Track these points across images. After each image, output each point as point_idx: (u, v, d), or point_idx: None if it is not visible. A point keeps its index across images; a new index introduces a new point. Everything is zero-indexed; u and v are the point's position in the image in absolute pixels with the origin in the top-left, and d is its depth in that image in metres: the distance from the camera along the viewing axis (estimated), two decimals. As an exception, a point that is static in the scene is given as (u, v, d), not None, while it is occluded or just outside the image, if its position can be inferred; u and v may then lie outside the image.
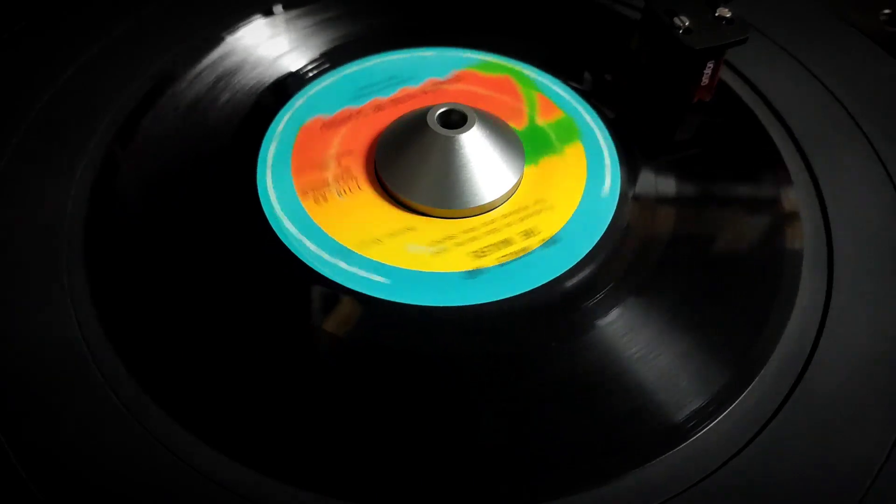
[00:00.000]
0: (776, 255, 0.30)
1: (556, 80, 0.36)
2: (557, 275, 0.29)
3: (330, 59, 0.37)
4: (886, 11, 0.42)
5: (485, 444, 0.25)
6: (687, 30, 0.33)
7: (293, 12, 0.39)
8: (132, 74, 0.35)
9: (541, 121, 0.34)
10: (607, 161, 0.33)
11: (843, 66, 0.37)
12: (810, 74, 0.37)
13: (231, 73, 0.36)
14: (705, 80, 0.34)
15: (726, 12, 0.33)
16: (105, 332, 0.27)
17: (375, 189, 0.32)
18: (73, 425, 0.24)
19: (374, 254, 0.29)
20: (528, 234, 0.30)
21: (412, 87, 0.36)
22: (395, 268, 0.29)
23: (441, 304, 0.28)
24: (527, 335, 0.27)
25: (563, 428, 0.25)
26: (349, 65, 0.36)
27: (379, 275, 0.29)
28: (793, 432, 0.25)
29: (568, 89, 0.35)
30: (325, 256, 0.29)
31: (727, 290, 0.29)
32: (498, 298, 0.28)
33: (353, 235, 0.30)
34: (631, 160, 0.33)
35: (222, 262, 0.29)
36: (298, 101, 0.35)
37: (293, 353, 0.27)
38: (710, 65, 0.33)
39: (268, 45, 0.38)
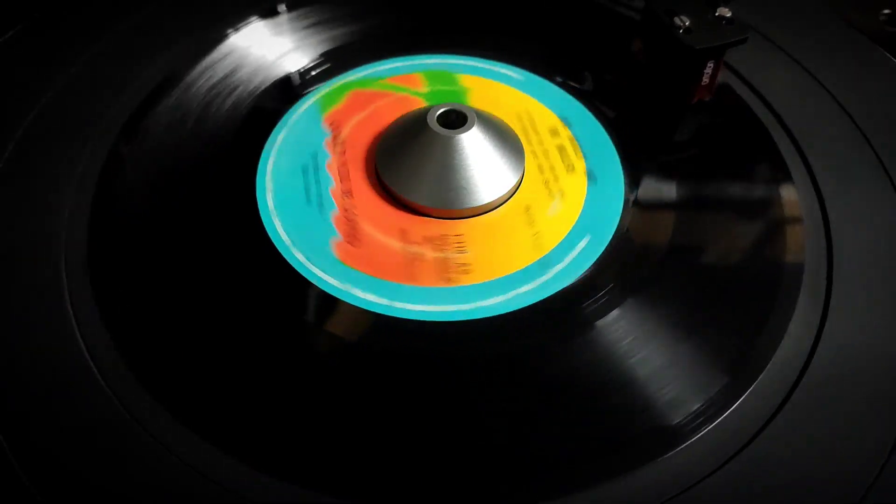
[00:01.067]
0: (776, 256, 0.30)
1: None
2: (558, 275, 0.29)
3: (330, 59, 0.37)
4: (886, 11, 0.42)
5: (485, 443, 0.25)
6: (687, 29, 0.33)
7: (295, 12, 0.39)
8: (133, 74, 0.35)
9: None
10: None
11: (843, 66, 0.37)
12: (810, 74, 0.37)
13: (232, 73, 0.36)
14: (705, 80, 0.34)
15: (726, 12, 0.33)
16: (106, 331, 0.27)
17: (373, 185, 0.32)
18: (73, 425, 0.24)
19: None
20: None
21: None
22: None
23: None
24: (527, 335, 0.27)
25: (562, 428, 0.25)
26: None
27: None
28: (792, 434, 0.25)
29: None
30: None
31: (727, 291, 0.29)
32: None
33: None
34: (631, 160, 0.33)
35: (221, 261, 0.29)
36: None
37: (293, 353, 0.27)
38: (710, 64, 0.33)
39: (269, 45, 0.38)
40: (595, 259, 0.29)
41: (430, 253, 0.29)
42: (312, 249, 0.29)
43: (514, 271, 0.29)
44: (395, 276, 0.29)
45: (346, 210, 0.31)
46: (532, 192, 0.32)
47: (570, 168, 0.33)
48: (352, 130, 0.34)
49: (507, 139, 0.32)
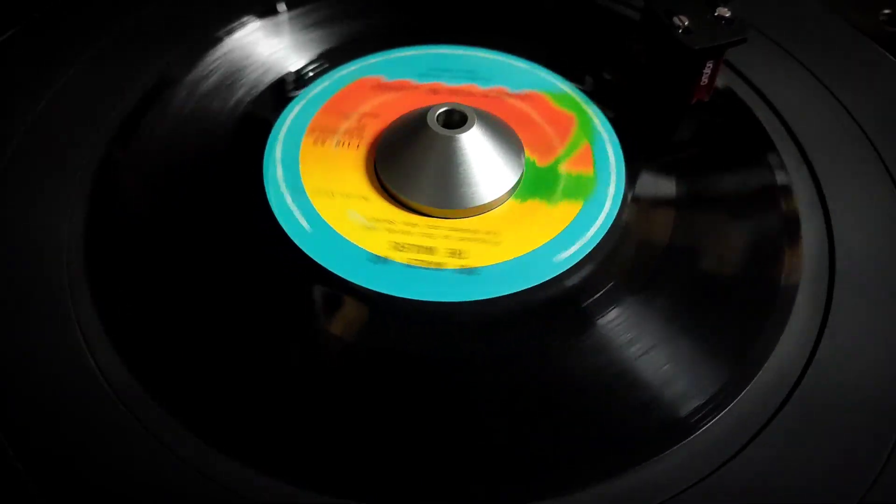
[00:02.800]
0: (776, 255, 0.30)
1: (615, 140, 0.34)
2: (557, 274, 0.29)
3: (330, 59, 0.37)
4: (886, 11, 0.42)
5: (485, 443, 0.25)
6: (686, 30, 0.33)
7: (296, 11, 0.39)
8: (132, 75, 0.35)
9: (565, 168, 0.33)
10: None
11: (843, 66, 0.37)
12: (810, 74, 0.37)
13: (231, 73, 0.36)
14: (704, 80, 0.34)
15: (726, 12, 0.33)
16: (106, 332, 0.27)
17: (373, 186, 0.32)
18: (73, 425, 0.24)
19: (319, 203, 0.31)
20: (454, 253, 0.29)
21: (479, 87, 0.36)
22: (324, 222, 0.30)
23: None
24: (527, 334, 0.27)
25: (562, 427, 0.25)
26: (436, 46, 0.37)
27: (308, 222, 0.30)
28: (792, 434, 0.25)
29: (619, 149, 0.34)
30: (282, 187, 0.31)
31: (727, 290, 0.29)
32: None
33: (316, 180, 0.31)
34: (630, 159, 0.33)
35: (222, 261, 0.29)
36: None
37: (294, 353, 0.27)
38: (710, 65, 0.33)
39: (268, 45, 0.38)
40: (596, 258, 0.29)
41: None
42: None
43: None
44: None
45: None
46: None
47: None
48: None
49: (506, 139, 0.32)
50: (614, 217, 0.31)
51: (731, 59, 0.37)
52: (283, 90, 0.36)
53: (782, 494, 0.24)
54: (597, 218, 0.31)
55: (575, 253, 0.30)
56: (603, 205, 0.31)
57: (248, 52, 0.37)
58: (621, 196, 0.32)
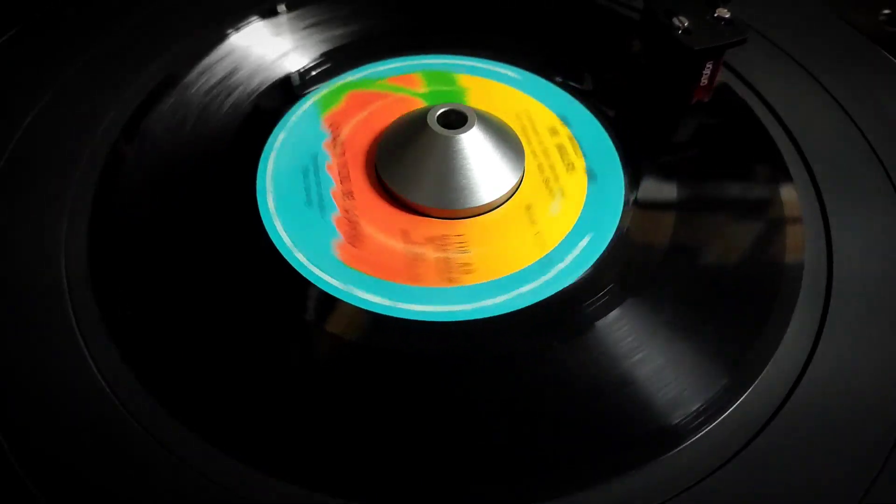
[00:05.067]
0: (776, 256, 0.30)
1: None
2: (557, 275, 0.29)
3: (329, 60, 0.37)
4: (886, 11, 0.42)
5: (485, 443, 0.25)
6: (686, 30, 0.33)
7: (295, 12, 0.39)
8: (132, 75, 0.35)
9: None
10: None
11: (843, 66, 0.37)
12: (809, 75, 0.37)
13: (232, 74, 0.36)
14: (704, 81, 0.34)
15: (725, 13, 0.33)
16: (106, 332, 0.27)
17: (373, 186, 0.32)
18: (74, 425, 0.24)
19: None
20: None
21: None
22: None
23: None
24: (528, 335, 0.27)
25: (561, 429, 0.25)
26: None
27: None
28: (791, 435, 0.25)
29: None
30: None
31: (727, 291, 0.29)
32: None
33: None
34: (630, 158, 0.33)
35: (221, 262, 0.29)
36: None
37: (294, 354, 0.27)
38: (709, 65, 0.33)
39: (269, 45, 0.38)
40: (596, 258, 0.30)
41: (431, 253, 0.30)
42: (314, 251, 0.29)
43: (516, 271, 0.29)
44: (396, 276, 0.29)
45: (346, 211, 0.31)
46: (532, 191, 0.32)
47: (570, 167, 0.33)
48: (351, 131, 0.34)
49: (507, 139, 0.32)
50: (614, 218, 0.31)
51: (731, 60, 0.36)
52: (283, 91, 0.36)
53: (781, 498, 0.24)
54: (597, 219, 0.31)
55: (575, 255, 0.30)
56: (603, 206, 0.31)
57: (249, 53, 0.37)
58: (621, 197, 0.32)
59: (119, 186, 0.31)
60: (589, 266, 0.29)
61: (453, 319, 0.28)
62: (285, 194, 0.31)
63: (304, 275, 0.29)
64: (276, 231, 0.30)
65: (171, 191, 0.32)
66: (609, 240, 0.30)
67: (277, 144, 0.33)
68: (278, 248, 0.29)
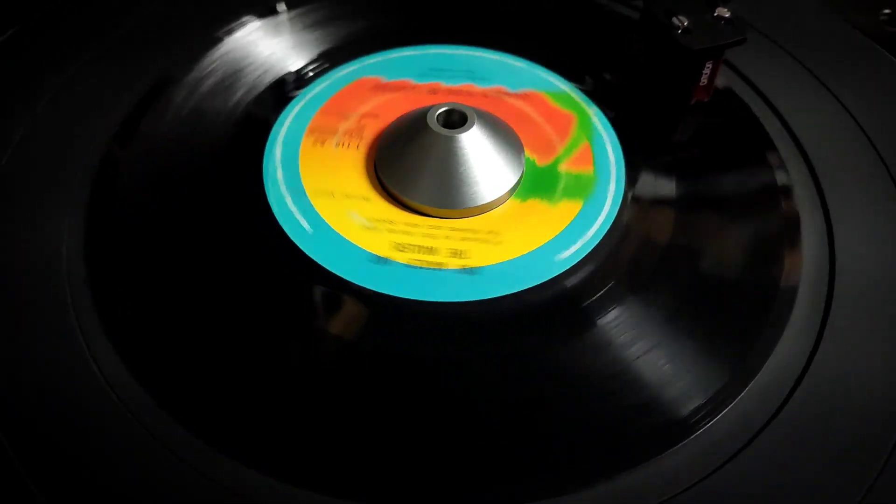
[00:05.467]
0: (777, 255, 0.30)
1: (616, 139, 0.34)
2: (558, 273, 0.29)
3: (329, 59, 0.37)
4: (886, 11, 0.42)
5: (485, 443, 0.25)
6: (685, 30, 0.33)
7: (295, 12, 0.39)
8: (131, 75, 0.35)
9: (564, 167, 0.33)
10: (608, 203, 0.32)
11: (843, 66, 0.37)
12: (810, 74, 0.37)
13: (231, 74, 0.36)
14: (704, 81, 0.34)
15: (725, 12, 0.33)
16: (106, 332, 0.27)
17: (373, 186, 0.32)
18: (74, 425, 0.24)
19: (320, 204, 0.31)
20: (455, 253, 0.29)
21: (478, 87, 0.36)
22: (325, 223, 0.30)
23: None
24: (528, 334, 0.28)
25: (562, 427, 0.25)
26: (435, 46, 0.38)
27: (308, 222, 0.30)
28: (792, 433, 0.25)
29: (619, 149, 0.34)
30: (282, 188, 0.31)
31: (727, 290, 0.29)
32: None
33: (317, 180, 0.31)
34: (630, 158, 0.33)
35: (222, 262, 0.29)
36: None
37: (295, 354, 0.27)
38: (709, 65, 0.33)
39: (268, 45, 0.38)
40: (596, 258, 0.29)
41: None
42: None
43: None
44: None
45: None
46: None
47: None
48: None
49: (506, 139, 0.32)
50: (614, 217, 0.31)
51: (731, 60, 0.37)
52: (282, 90, 0.36)
53: (781, 495, 0.24)
54: (597, 217, 0.31)
55: (575, 253, 0.30)
56: (603, 204, 0.31)
57: (248, 52, 0.37)
58: (621, 196, 0.32)
59: (118, 186, 0.31)
60: (589, 265, 0.29)
61: (453, 319, 0.28)
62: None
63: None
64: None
65: (170, 191, 0.32)
66: (609, 239, 0.30)
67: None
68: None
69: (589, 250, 0.30)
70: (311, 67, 0.37)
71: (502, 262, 0.29)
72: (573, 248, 0.30)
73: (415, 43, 0.38)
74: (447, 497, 0.24)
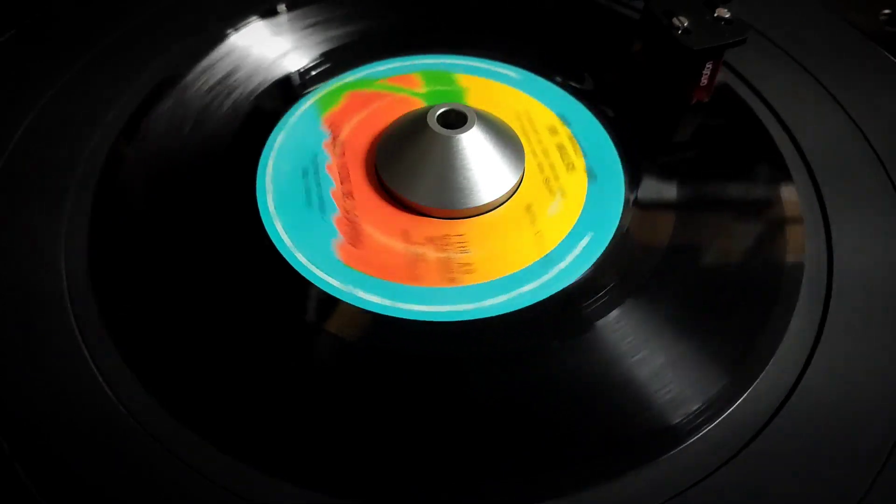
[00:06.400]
0: (776, 256, 0.30)
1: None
2: (557, 275, 0.29)
3: (329, 60, 0.37)
4: (886, 11, 0.42)
5: (485, 443, 0.25)
6: (685, 30, 0.33)
7: (295, 12, 0.39)
8: (132, 75, 0.35)
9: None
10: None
11: (843, 66, 0.37)
12: (809, 75, 0.37)
13: (231, 74, 0.36)
14: (704, 81, 0.34)
15: (725, 13, 0.33)
16: (106, 332, 0.27)
17: (373, 186, 0.32)
18: (74, 425, 0.24)
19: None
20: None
21: None
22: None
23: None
24: (528, 335, 0.28)
25: (562, 428, 0.25)
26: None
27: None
28: (791, 435, 0.25)
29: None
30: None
31: (727, 291, 0.29)
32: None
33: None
34: (630, 158, 0.33)
35: (222, 263, 0.29)
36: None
37: (295, 354, 0.27)
38: (709, 65, 0.33)
39: (269, 45, 0.38)
40: (596, 258, 0.30)
41: (432, 253, 0.30)
42: (314, 251, 0.29)
43: (517, 270, 0.29)
44: (397, 276, 0.29)
45: (347, 211, 0.31)
46: (533, 190, 0.32)
47: (570, 166, 0.33)
48: (351, 132, 0.34)
49: (506, 139, 0.32)
50: (614, 218, 0.31)
51: (731, 60, 0.37)
52: (283, 91, 0.36)
53: (781, 498, 0.24)
54: (597, 219, 0.31)
55: (575, 255, 0.30)
56: (603, 206, 0.31)
57: (249, 53, 0.37)
58: (621, 197, 0.32)
59: (119, 187, 0.31)
60: (589, 266, 0.29)
61: (454, 319, 0.28)
62: (285, 195, 0.31)
63: (305, 275, 0.29)
64: (277, 232, 0.30)
65: (170, 191, 0.32)
66: (609, 240, 0.30)
67: (277, 145, 0.33)
68: (279, 248, 0.29)
69: (589, 252, 0.30)
70: (311, 68, 0.37)
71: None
72: (573, 250, 0.30)
73: (420, 48, 0.38)
74: (447, 498, 0.24)
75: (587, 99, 0.36)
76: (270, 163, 0.32)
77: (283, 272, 0.29)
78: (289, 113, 0.34)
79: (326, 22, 0.39)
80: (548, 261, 0.29)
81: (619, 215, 0.31)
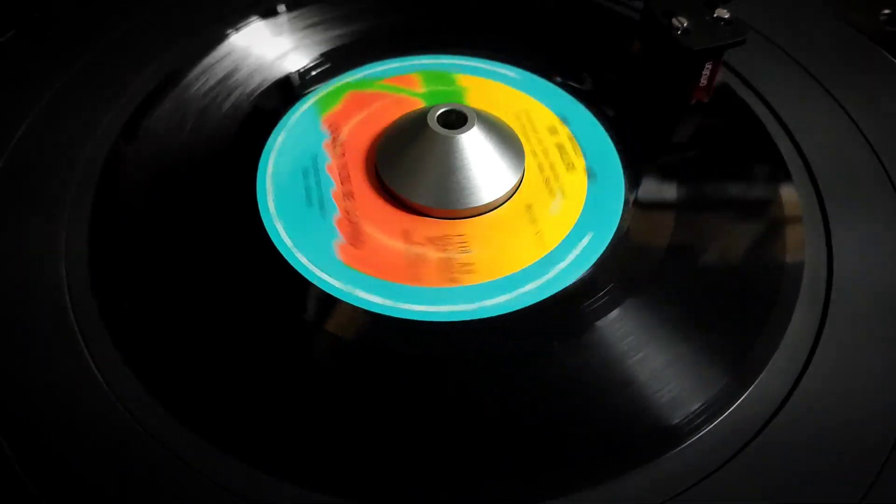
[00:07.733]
0: (776, 256, 0.30)
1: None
2: (557, 276, 0.29)
3: (329, 60, 0.37)
4: (886, 11, 0.42)
5: (486, 443, 0.25)
6: (685, 31, 0.33)
7: (295, 12, 0.39)
8: (132, 75, 0.35)
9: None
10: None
11: (843, 66, 0.37)
12: (809, 75, 0.37)
13: (231, 74, 0.36)
14: (703, 81, 0.34)
15: (725, 13, 0.33)
16: (106, 332, 0.27)
17: (374, 186, 0.32)
18: (74, 425, 0.24)
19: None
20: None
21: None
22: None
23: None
24: (529, 335, 0.28)
25: (562, 428, 0.25)
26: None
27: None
28: (791, 435, 0.25)
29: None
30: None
31: (727, 291, 0.29)
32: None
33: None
34: (630, 157, 0.33)
35: (222, 263, 0.29)
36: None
37: (296, 354, 0.27)
38: (709, 66, 0.33)
39: (269, 45, 0.38)
40: (596, 258, 0.30)
41: (432, 253, 0.30)
42: (315, 251, 0.29)
43: (517, 271, 0.29)
44: (398, 277, 0.29)
45: (347, 212, 0.31)
46: (533, 191, 0.32)
47: (570, 166, 0.33)
48: (351, 132, 0.34)
49: (507, 138, 0.32)
50: (614, 218, 0.31)
51: (731, 60, 0.37)
52: (283, 91, 0.36)
53: (781, 499, 0.24)
54: (597, 219, 0.31)
55: (575, 255, 0.30)
56: (603, 206, 0.31)
57: (249, 53, 0.37)
58: (621, 197, 0.32)
59: (119, 187, 0.31)
60: (589, 266, 0.29)
61: (454, 319, 0.28)
62: (285, 195, 0.31)
63: (305, 276, 0.29)
64: (277, 232, 0.30)
65: (171, 191, 0.32)
66: (609, 240, 0.30)
67: (277, 145, 0.33)
68: (279, 249, 0.29)
69: (588, 252, 0.30)
70: (311, 68, 0.37)
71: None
72: (573, 250, 0.30)
73: (422, 48, 0.38)
74: (447, 498, 0.24)
75: (587, 99, 0.36)
76: (271, 163, 0.32)
77: (283, 272, 0.29)
78: (289, 113, 0.34)
79: (326, 22, 0.39)
80: (548, 261, 0.29)
81: (619, 215, 0.31)
